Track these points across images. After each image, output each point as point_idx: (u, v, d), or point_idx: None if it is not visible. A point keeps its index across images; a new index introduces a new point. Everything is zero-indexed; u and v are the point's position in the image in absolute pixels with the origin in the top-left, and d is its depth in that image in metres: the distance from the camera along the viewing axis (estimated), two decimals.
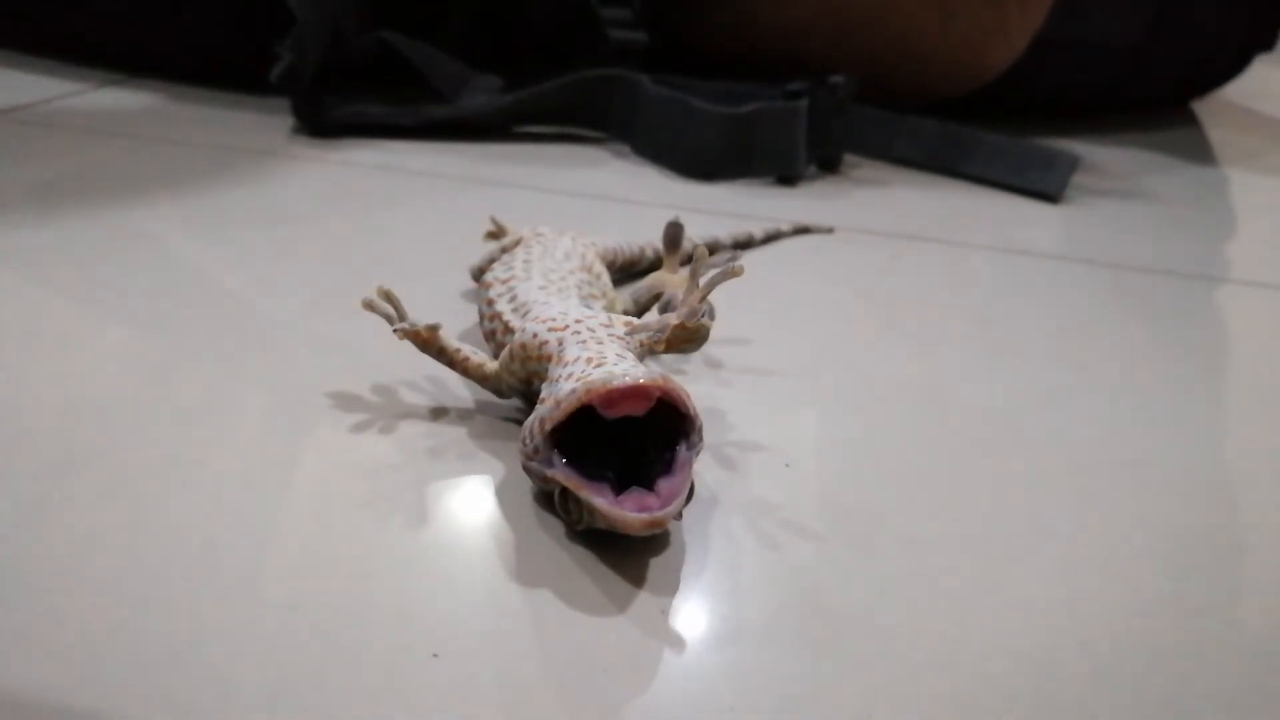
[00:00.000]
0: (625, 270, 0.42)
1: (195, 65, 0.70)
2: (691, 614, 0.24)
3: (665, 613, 0.24)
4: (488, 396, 0.33)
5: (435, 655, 0.22)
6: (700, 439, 0.26)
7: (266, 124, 0.62)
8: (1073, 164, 0.59)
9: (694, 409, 0.25)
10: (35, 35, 0.73)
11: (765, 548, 0.27)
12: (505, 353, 0.30)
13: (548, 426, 0.25)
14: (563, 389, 0.25)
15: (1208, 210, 0.61)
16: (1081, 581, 0.27)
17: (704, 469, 0.30)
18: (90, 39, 0.72)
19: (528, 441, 0.26)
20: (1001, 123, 0.64)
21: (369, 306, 0.31)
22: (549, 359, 0.28)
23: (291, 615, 0.23)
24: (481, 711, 0.21)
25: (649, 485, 0.25)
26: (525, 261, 0.34)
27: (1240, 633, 0.25)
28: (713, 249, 0.46)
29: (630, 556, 0.26)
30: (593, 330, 0.28)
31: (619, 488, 0.25)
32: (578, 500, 0.25)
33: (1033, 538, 0.28)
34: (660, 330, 0.29)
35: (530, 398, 0.30)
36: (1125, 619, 0.25)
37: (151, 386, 0.33)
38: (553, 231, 0.38)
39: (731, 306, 0.37)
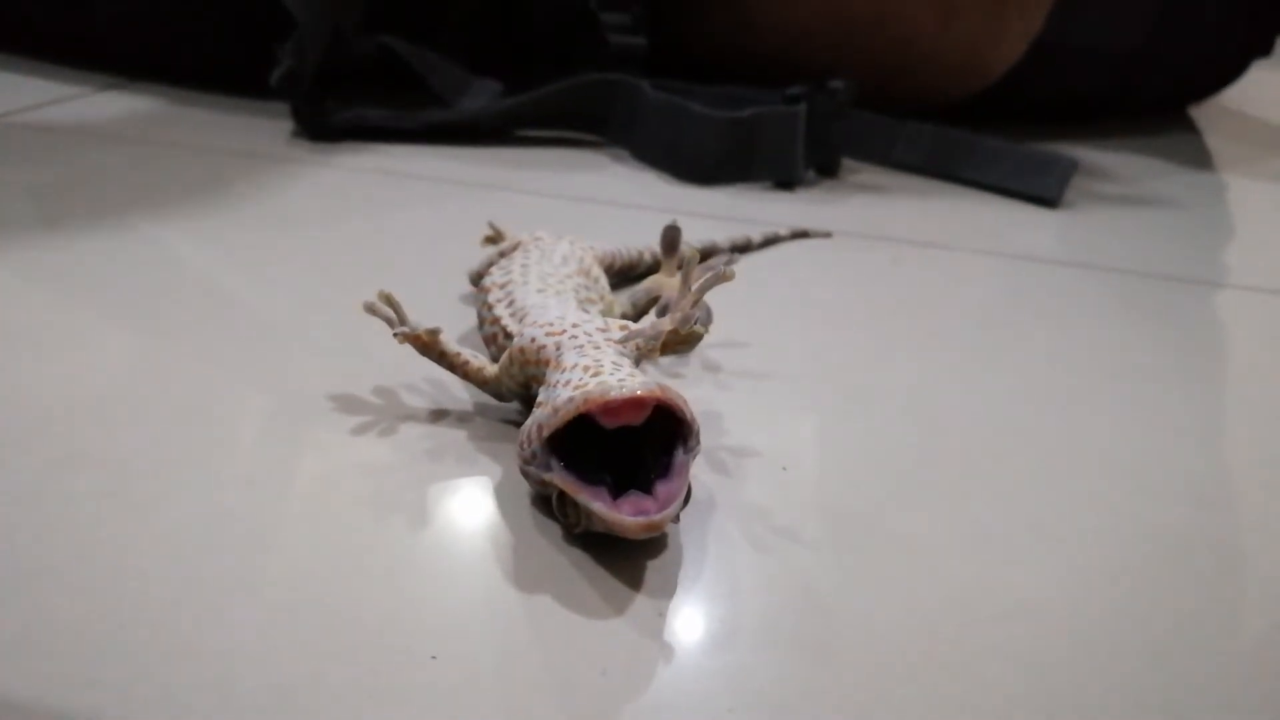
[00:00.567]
0: (624, 274, 0.42)
1: (196, 69, 0.70)
2: (689, 616, 0.24)
3: (663, 615, 0.24)
4: (486, 399, 0.33)
5: (434, 657, 0.23)
6: (697, 443, 0.26)
7: (266, 128, 0.63)
8: (1071, 169, 0.59)
9: (691, 414, 0.26)
10: (36, 39, 0.73)
11: (762, 550, 0.27)
12: (504, 357, 0.30)
13: (545, 434, 0.25)
14: (561, 396, 0.25)
15: (1205, 215, 0.61)
16: (1079, 584, 0.27)
17: (701, 472, 0.30)
18: (91, 43, 0.72)
19: (526, 446, 0.26)
20: (1000, 127, 0.64)
21: (370, 310, 0.32)
22: (547, 363, 0.28)
23: (291, 616, 0.23)
24: (479, 713, 0.21)
25: (646, 488, 0.25)
26: (523, 266, 0.34)
27: (1238, 634, 0.25)
28: (710, 253, 0.46)
29: (628, 559, 0.26)
30: (589, 335, 0.29)
31: (616, 491, 0.25)
32: (575, 503, 0.25)
33: (1030, 540, 0.28)
34: (654, 336, 0.29)
35: (530, 401, 0.30)
36: (1123, 621, 0.25)
37: (151, 388, 0.33)
38: (551, 236, 0.38)
39: (729, 310, 0.37)
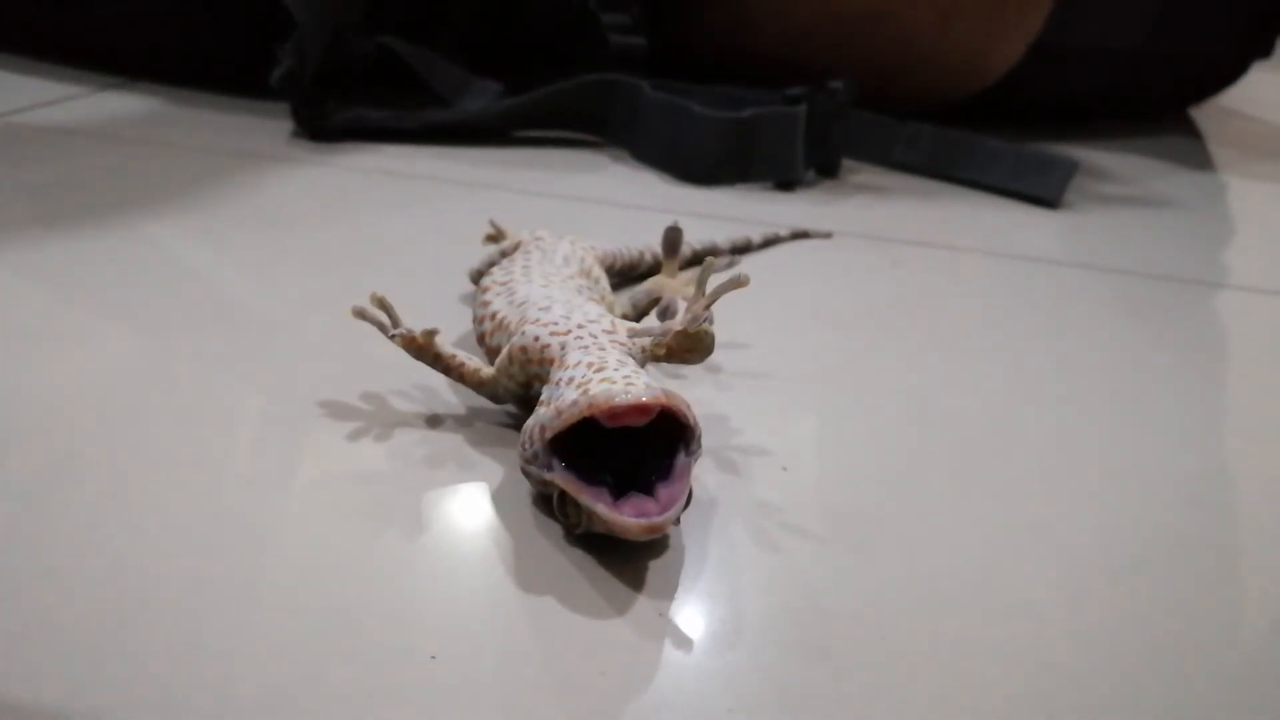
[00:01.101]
0: (624, 274, 0.42)
1: (195, 69, 0.70)
2: (689, 617, 0.24)
3: (663, 615, 0.24)
4: (485, 401, 0.33)
5: (433, 657, 0.23)
6: (699, 446, 0.26)
7: (266, 128, 0.63)
8: (1071, 169, 0.59)
9: (694, 418, 0.25)
10: (35, 38, 0.73)
11: (763, 551, 0.27)
12: (504, 355, 0.30)
13: (548, 435, 0.25)
14: (565, 397, 0.25)
15: (1205, 216, 0.61)
16: (1079, 584, 0.27)
17: (702, 472, 0.30)
18: (89, 43, 0.72)
19: (527, 446, 0.26)
20: (1000, 128, 0.64)
21: (360, 315, 0.31)
22: (550, 362, 0.28)
23: (291, 616, 0.23)
24: (479, 713, 0.21)
25: (647, 489, 0.25)
26: (524, 267, 0.34)
27: (1238, 634, 0.25)
28: (711, 253, 0.46)
29: (629, 560, 0.26)
30: (595, 337, 0.29)
31: (617, 491, 0.25)
32: (576, 504, 0.25)
33: (1031, 541, 0.28)
34: (663, 334, 0.29)
35: (527, 402, 0.30)
36: (1123, 621, 0.25)
37: (151, 388, 0.33)
38: (551, 235, 0.38)
39: (730, 311, 0.37)
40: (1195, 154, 0.75)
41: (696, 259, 0.46)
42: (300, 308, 0.39)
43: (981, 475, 0.31)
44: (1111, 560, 0.28)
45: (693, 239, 0.45)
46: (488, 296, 0.33)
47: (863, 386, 0.36)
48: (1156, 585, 0.27)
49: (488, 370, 0.31)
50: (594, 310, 0.30)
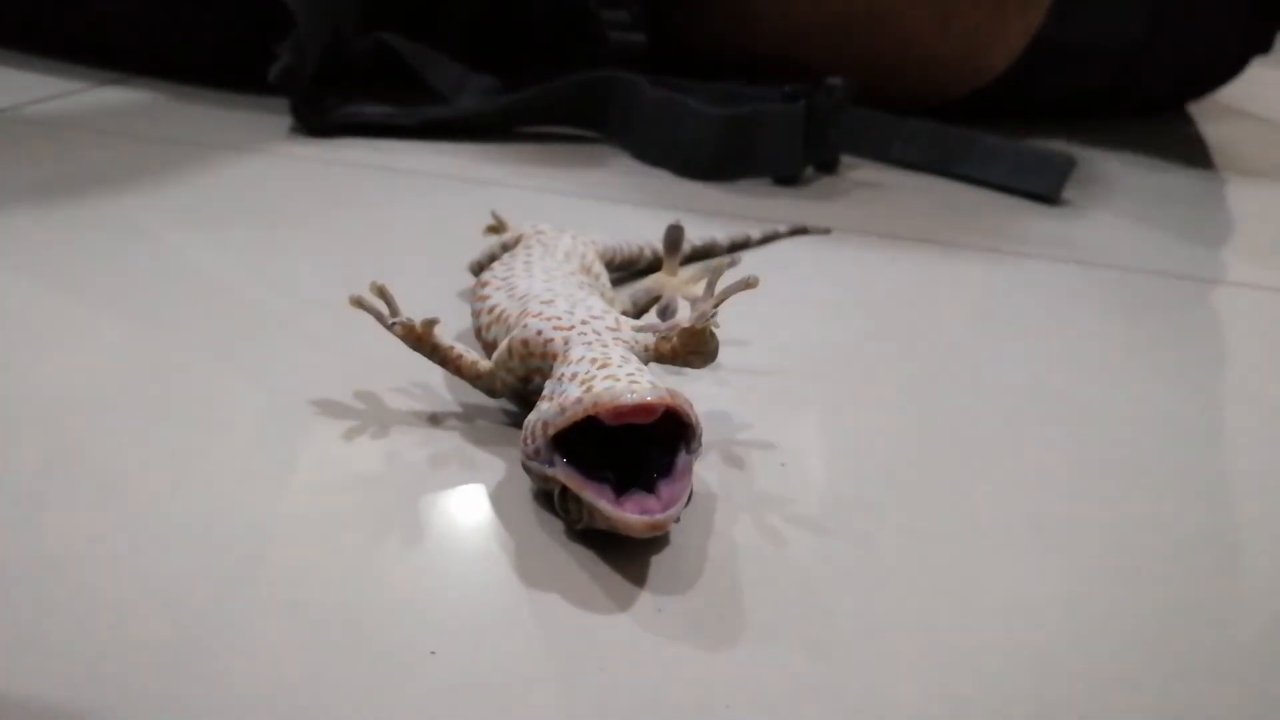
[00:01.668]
0: (623, 269, 0.42)
1: (194, 64, 0.70)
2: (689, 612, 0.24)
3: (662, 611, 0.24)
4: (485, 397, 0.32)
5: (433, 653, 0.23)
6: (700, 443, 0.26)
7: (265, 123, 0.62)
8: (1069, 166, 0.59)
9: (696, 417, 0.25)
10: (33, 34, 0.73)
11: (762, 546, 0.27)
12: (502, 348, 0.30)
13: (550, 431, 0.25)
14: (569, 394, 0.25)
15: (1204, 212, 0.61)
16: (1079, 580, 0.27)
17: (702, 468, 0.30)
18: (89, 38, 0.71)
19: (529, 441, 0.26)
20: (999, 124, 0.64)
21: (358, 304, 0.31)
22: (552, 357, 0.28)
23: (289, 613, 0.23)
24: (479, 708, 0.21)
25: (648, 485, 0.25)
26: (526, 261, 0.34)
27: (1238, 631, 0.25)
28: (710, 250, 0.46)
29: (629, 555, 0.26)
30: (598, 333, 0.29)
31: (619, 487, 0.25)
32: (578, 500, 0.25)
33: (1031, 538, 0.28)
34: (669, 330, 0.29)
35: (525, 397, 0.30)
36: (1124, 618, 0.25)
37: (150, 384, 0.33)
38: (553, 230, 0.38)
39: (729, 307, 0.37)
40: (1194, 150, 0.75)
41: (696, 256, 0.46)
42: (300, 303, 0.39)
43: (981, 471, 0.31)
44: (1111, 556, 0.28)
45: (692, 235, 0.45)
46: (487, 290, 0.33)
47: (862, 382, 0.36)
48: (1156, 580, 0.27)
49: (485, 363, 0.31)
50: (597, 306, 0.30)
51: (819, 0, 0.69)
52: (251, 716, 0.21)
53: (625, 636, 0.23)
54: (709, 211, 0.53)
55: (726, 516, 0.28)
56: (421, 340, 0.31)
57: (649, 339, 0.30)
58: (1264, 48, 0.80)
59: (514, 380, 0.30)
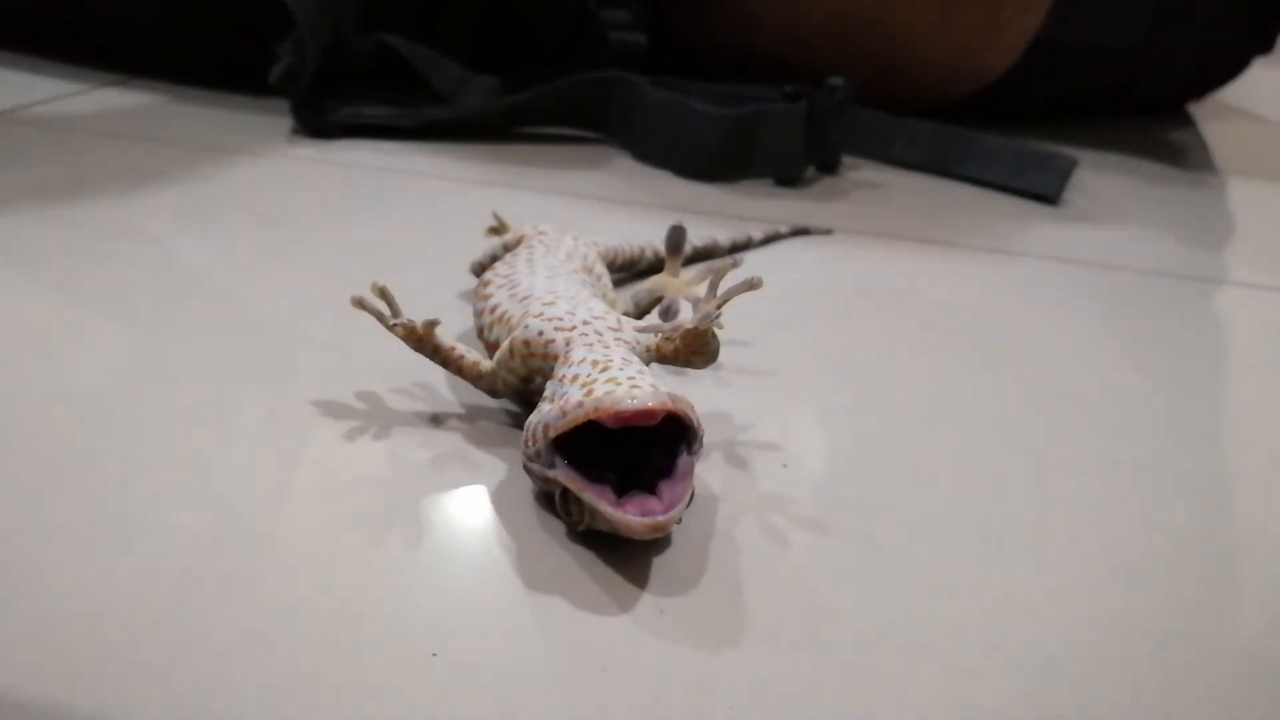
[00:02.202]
0: (625, 269, 0.42)
1: (195, 66, 0.70)
2: (691, 614, 0.24)
3: (664, 612, 0.24)
4: (487, 399, 0.33)
5: (434, 654, 0.23)
6: (701, 444, 0.26)
7: (266, 125, 0.62)
8: (1070, 166, 0.59)
9: (697, 419, 0.25)
10: (34, 35, 0.73)
11: (764, 548, 0.27)
12: (504, 349, 0.30)
13: (551, 434, 0.25)
14: (570, 397, 0.25)
15: (1205, 212, 0.61)
16: (1080, 581, 0.27)
17: (703, 469, 0.30)
18: (89, 39, 0.71)
19: (530, 443, 0.26)
20: (999, 125, 0.64)
21: (359, 305, 0.31)
22: (554, 358, 0.28)
23: (291, 613, 0.23)
24: (481, 710, 0.21)
25: (649, 486, 0.25)
26: (528, 261, 0.34)
27: (1238, 632, 0.25)
28: (711, 250, 0.46)
29: (630, 557, 0.26)
30: (600, 334, 0.28)
31: (620, 489, 0.25)
32: (579, 501, 0.25)
33: (1032, 538, 0.28)
34: (671, 331, 0.29)
35: (526, 397, 0.30)
36: (1124, 619, 0.25)
37: (151, 385, 0.33)
38: (555, 230, 0.38)
39: (731, 308, 0.37)
40: (1195, 150, 0.75)
41: (697, 256, 0.46)
42: (301, 304, 0.39)
43: (982, 472, 0.31)
44: (1112, 556, 0.28)
45: (693, 235, 0.45)
46: (489, 290, 0.33)
47: (863, 382, 0.36)
48: (1156, 581, 0.27)
49: (487, 364, 0.31)
50: (599, 306, 0.30)
51: (819, 2, 0.69)
52: (252, 715, 0.21)
53: (627, 638, 0.23)
54: (710, 212, 0.53)
55: (728, 517, 0.28)
56: (423, 341, 0.31)
57: (651, 340, 0.30)
58: (1265, 48, 0.80)
59: (515, 380, 0.30)
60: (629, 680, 0.22)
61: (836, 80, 0.58)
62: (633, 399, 0.24)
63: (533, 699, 0.22)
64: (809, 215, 0.53)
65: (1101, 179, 0.65)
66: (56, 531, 0.26)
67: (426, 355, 0.31)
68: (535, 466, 0.26)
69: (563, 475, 0.25)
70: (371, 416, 0.32)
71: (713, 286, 0.29)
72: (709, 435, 0.31)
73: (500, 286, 0.33)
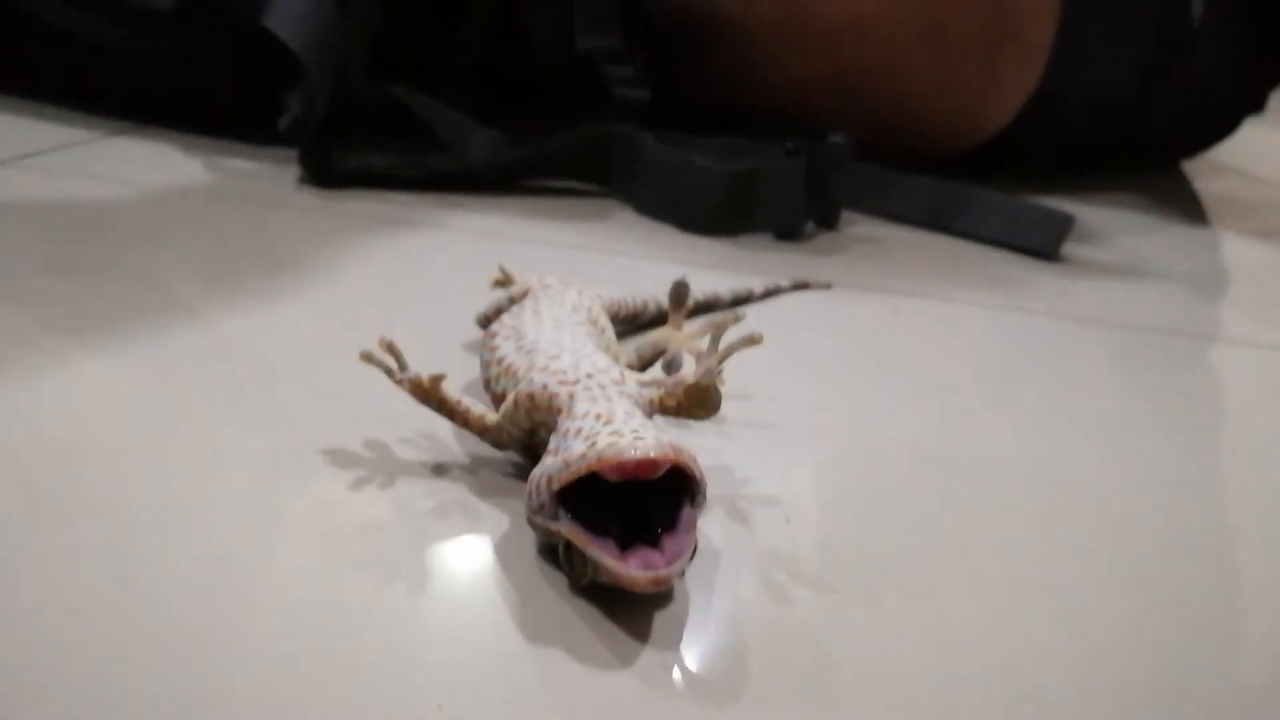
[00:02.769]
0: (628, 322, 0.43)
1: (204, 115, 0.71)
2: (694, 668, 0.24)
3: (668, 667, 0.24)
4: (491, 450, 0.33)
5: (440, 706, 0.23)
6: (704, 497, 0.26)
7: (273, 174, 0.63)
8: (1068, 223, 0.60)
9: (700, 470, 0.26)
10: (44, 83, 0.74)
11: (768, 602, 0.27)
12: (509, 402, 0.30)
13: (555, 487, 0.25)
14: (574, 450, 0.26)
15: (1200, 270, 0.61)
16: (1082, 638, 0.27)
17: (706, 523, 0.30)
18: (99, 88, 0.72)
19: (534, 496, 0.27)
20: (996, 180, 0.65)
21: (368, 359, 0.32)
22: (558, 411, 0.29)
23: (293, 665, 0.23)
24: None
25: (652, 540, 0.25)
26: (534, 313, 0.35)
27: (1237, 686, 0.25)
28: (713, 303, 0.47)
29: (634, 611, 0.26)
30: (603, 387, 0.29)
31: (623, 541, 0.25)
32: (582, 555, 0.25)
33: (1034, 592, 0.28)
34: (674, 386, 0.29)
35: (532, 449, 0.31)
36: (1123, 671, 0.25)
37: (156, 432, 0.33)
38: (559, 282, 0.39)
39: (732, 361, 0.37)
40: (1189, 208, 0.76)
41: (699, 309, 0.46)
42: (307, 353, 0.39)
43: (983, 526, 0.31)
44: (1113, 613, 0.28)
45: (695, 289, 0.46)
46: (496, 342, 0.34)
47: (864, 437, 0.37)
48: (1158, 638, 0.27)
49: (492, 416, 0.31)
50: (602, 360, 0.31)
51: (819, 57, 0.71)
52: None
53: (629, 692, 0.23)
54: (711, 265, 0.53)
55: (730, 571, 0.28)
56: (429, 395, 0.31)
57: (654, 393, 0.30)
58: (1257, 106, 0.82)
59: (519, 433, 0.31)
60: None
61: (837, 137, 0.59)
62: (635, 450, 0.25)
63: None
64: (809, 269, 0.54)
65: (1097, 236, 0.65)
66: (52, 577, 0.26)
67: (433, 409, 0.32)
68: (539, 519, 0.27)
69: (566, 528, 0.25)
70: (376, 465, 0.32)
71: (715, 341, 0.30)
72: (711, 488, 0.31)
73: (507, 338, 0.33)
